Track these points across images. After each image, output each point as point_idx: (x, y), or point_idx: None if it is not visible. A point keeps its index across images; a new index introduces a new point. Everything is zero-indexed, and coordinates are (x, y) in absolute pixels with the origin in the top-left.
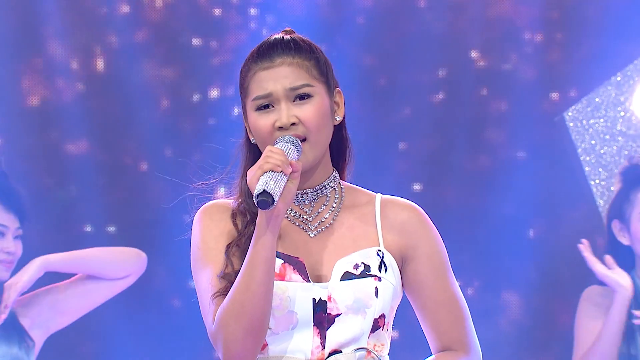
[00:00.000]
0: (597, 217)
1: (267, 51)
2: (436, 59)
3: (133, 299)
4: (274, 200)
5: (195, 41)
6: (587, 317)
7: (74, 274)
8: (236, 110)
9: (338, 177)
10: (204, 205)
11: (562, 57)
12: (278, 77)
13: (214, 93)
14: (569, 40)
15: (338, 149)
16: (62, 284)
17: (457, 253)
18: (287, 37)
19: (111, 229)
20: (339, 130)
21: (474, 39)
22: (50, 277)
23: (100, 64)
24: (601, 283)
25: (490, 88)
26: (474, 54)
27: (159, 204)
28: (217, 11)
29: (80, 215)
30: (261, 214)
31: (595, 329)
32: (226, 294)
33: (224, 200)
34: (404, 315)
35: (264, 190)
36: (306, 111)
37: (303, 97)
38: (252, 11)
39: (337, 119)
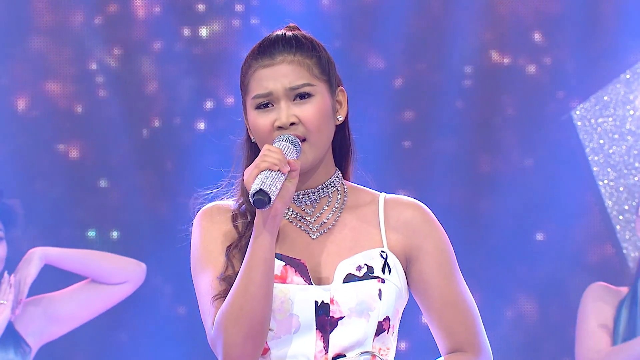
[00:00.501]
0: (606, 219)
1: (268, 48)
2: (441, 58)
3: (133, 305)
4: (270, 200)
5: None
6: (593, 315)
7: (70, 282)
8: (230, 101)
9: (341, 177)
10: (203, 207)
11: (571, 55)
12: (278, 76)
13: (229, 100)
14: (577, 38)
15: (341, 149)
16: (58, 292)
17: (462, 256)
18: (289, 33)
19: (114, 234)
20: (342, 130)
21: (481, 38)
22: (49, 285)
23: (112, 62)
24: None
25: (497, 87)
26: (481, 53)
27: (163, 210)
28: (200, 7)
29: (82, 220)
30: (259, 214)
31: (603, 326)
32: (226, 297)
33: (225, 201)
34: (413, 325)
35: (260, 189)
36: (306, 111)
37: (303, 96)
38: (239, 8)
39: (339, 118)
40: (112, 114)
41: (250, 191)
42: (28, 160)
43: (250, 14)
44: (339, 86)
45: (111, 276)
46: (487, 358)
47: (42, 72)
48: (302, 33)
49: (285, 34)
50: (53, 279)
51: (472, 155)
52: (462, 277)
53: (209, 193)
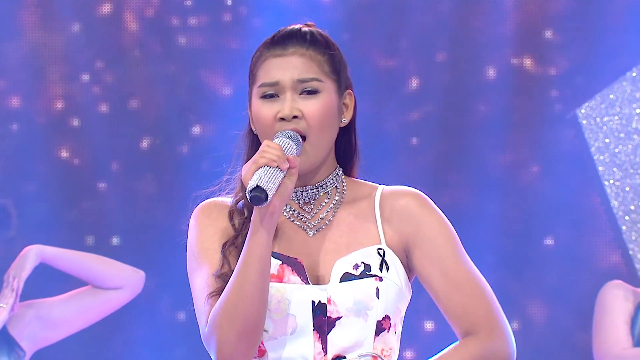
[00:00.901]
0: (612, 219)
1: (282, 39)
2: (448, 57)
3: (131, 311)
4: (267, 196)
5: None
6: (614, 309)
7: (69, 286)
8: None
9: (341, 173)
10: (200, 204)
11: (575, 52)
12: (288, 67)
13: (227, 91)
14: (582, 35)
15: (345, 152)
16: (54, 297)
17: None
18: (305, 28)
19: (115, 241)
20: (348, 133)
21: (487, 34)
22: (47, 288)
23: (109, 64)
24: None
25: (504, 86)
26: (487, 49)
27: (163, 216)
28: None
29: (82, 227)
30: (256, 211)
31: (624, 321)
32: (221, 294)
33: (223, 198)
34: (418, 332)
35: (257, 186)
36: (310, 106)
37: (310, 91)
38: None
39: (344, 121)
40: (110, 120)
41: (247, 187)
42: (24, 162)
43: (239, 5)
44: (347, 89)
45: (107, 279)
46: (503, 335)
47: (38, 74)
48: (319, 30)
49: (301, 28)
50: (52, 282)
51: (478, 156)
52: (468, 257)
53: (211, 191)
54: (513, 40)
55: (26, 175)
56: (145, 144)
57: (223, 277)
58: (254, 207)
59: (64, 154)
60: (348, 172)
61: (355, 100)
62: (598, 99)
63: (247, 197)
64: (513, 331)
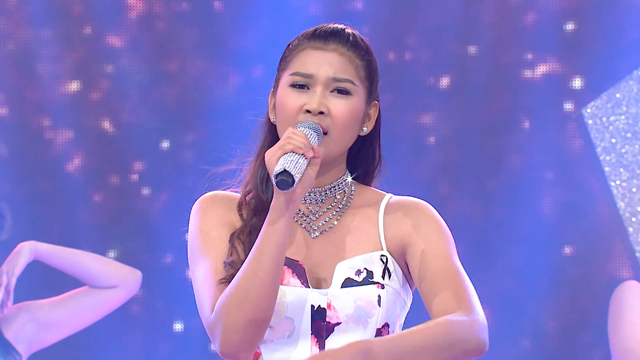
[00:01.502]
0: (618, 221)
1: (324, 34)
2: (454, 56)
3: (129, 323)
4: (294, 181)
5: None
6: (633, 308)
7: (67, 287)
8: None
9: (350, 179)
10: (203, 195)
11: (581, 50)
12: (325, 62)
13: (222, 97)
14: (588, 33)
15: (363, 161)
16: (49, 299)
17: (479, 268)
18: (349, 30)
19: (111, 254)
20: (369, 144)
21: (490, 31)
22: (40, 290)
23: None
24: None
25: (510, 85)
26: (490, 47)
27: (160, 224)
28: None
29: (80, 238)
30: (278, 197)
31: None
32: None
33: (225, 192)
34: None
35: (285, 170)
36: (339, 105)
37: (342, 91)
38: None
39: (364, 129)
40: (106, 132)
41: (273, 172)
42: (20, 167)
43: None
44: (375, 100)
45: (102, 278)
46: (473, 322)
47: (29, 79)
48: (361, 36)
49: (345, 28)
50: (51, 284)
51: (486, 159)
52: (457, 258)
53: (226, 180)
54: (523, 39)
55: (22, 183)
56: (140, 157)
57: (233, 265)
58: (277, 192)
59: (62, 162)
60: (364, 181)
61: (380, 113)
62: (604, 98)
63: (273, 181)
64: (528, 340)
